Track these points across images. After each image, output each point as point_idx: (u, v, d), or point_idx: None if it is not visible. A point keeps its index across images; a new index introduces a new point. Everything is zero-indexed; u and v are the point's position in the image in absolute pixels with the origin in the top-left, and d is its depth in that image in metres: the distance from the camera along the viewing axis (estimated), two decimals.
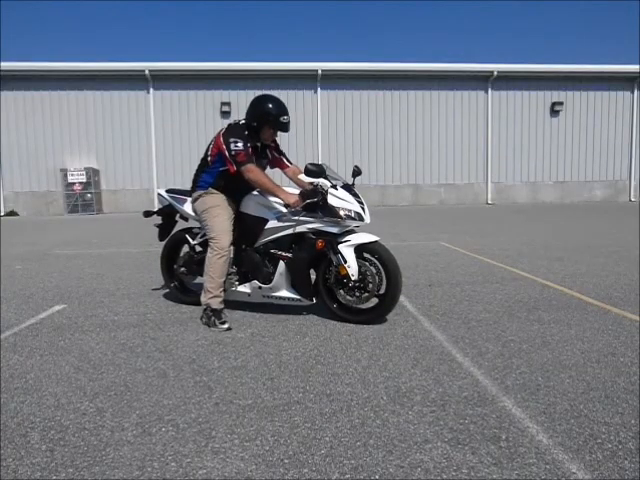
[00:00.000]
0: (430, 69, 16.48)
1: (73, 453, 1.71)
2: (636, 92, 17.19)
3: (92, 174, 15.30)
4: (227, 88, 16.05)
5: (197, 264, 3.65)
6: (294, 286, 3.33)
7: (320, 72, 15.91)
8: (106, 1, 60.13)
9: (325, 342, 2.88)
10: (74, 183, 15.19)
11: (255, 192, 3.40)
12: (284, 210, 3.24)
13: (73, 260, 6.13)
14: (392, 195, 16.91)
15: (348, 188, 3.26)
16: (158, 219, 3.97)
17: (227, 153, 3.22)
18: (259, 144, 3.41)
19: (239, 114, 16.13)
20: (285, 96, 16.25)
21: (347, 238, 3.16)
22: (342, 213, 3.12)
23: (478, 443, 1.74)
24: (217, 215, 3.31)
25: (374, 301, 3.22)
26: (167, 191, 3.87)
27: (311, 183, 3.21)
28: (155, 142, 15.94)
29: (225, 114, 15.99)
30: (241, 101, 15.96)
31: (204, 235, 3.57)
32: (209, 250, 3.27)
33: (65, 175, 15.23)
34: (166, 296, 4.08)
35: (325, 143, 16.50)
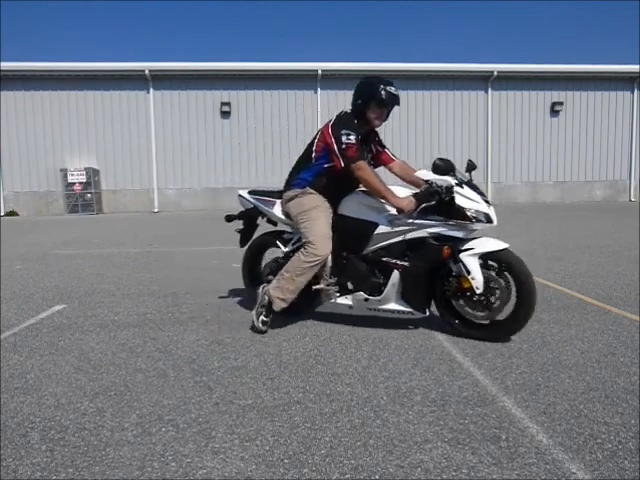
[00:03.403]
0: (430, 69, 16.47)
1: (73, 453, 1.71)
2: (636, 92, 17.18)
3: (92, 174, 15.29)
4: (227, 88, 16.03)
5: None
6: (405, 297, 2.97)
7: (320, 72, 15.89)
8: (106, 1, 60.14)
9: (325, 342, 2.88)
10: (74, 183, 15.18)
11: (359, 192, 3.07)
12: (397, 212, 2.89)
13: (73, 260, 6.13)
14: None
15: (472, 186, 2.89)
16: (237, 223, 3.66)
17: (336, 147, 2.88)
18: (362, 135, 3.06)
19: (239, 114, 16.28)
20: (285, 96, 16.29)
21: (470, 245, 2.82)
22: (470, 215, 2.78)
23: (478, 443, 1.74)
24: (316, 218, 2.98)
25: (500, 317, 2.85)
26: (250, 192, 3.53)
27: (426, 181, 2.86)
28: (155, 142, 15.93)
29: (225, 114, 15.98)
30: (241, 101, 15.98)
31: (299, 240, 3.23)
32: (302, 254, 2.94)
33: (65, 175, 15.21)
34: (166, 296, 4.08)
35: None
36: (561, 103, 17.00)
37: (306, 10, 64.38)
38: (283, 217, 3.28)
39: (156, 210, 15.74)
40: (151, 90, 15.86)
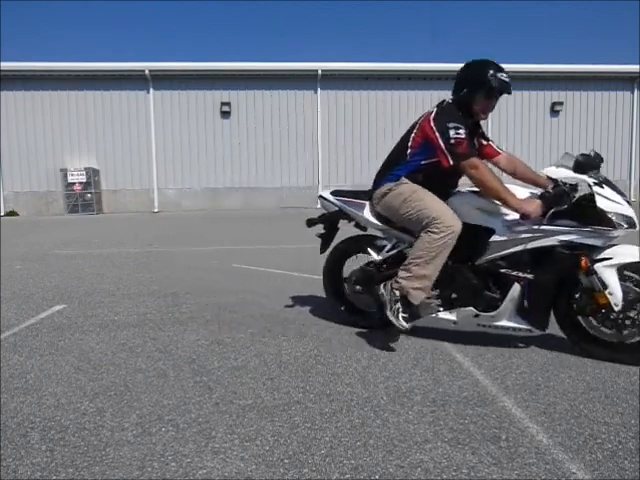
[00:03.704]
0: (430, 69, 16.48)
1: (73, 453, 1.71)
2: (636, 92, 17.19)
3: (92, 174, 15.30)
4: (227, 88, 16.03)
5: (381, 281, 2.89)
6: (523, 313, 2.61)
7: (320, 72, 15.90)
8: (106, 1, 60.12)
9: (325, 342, 2.88)
10: (74, 183, 15.19)
11: (468, 192, 2.72)
12: (517, 217, 2.51)
13: (73, 260, 6.13)
14: None
15: (611, 184, 2.50)
16: (319, 227, 3.34)
17: (441, 142, 2.55)
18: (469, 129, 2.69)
19: (239, 114, 16.27)
20: (285, 96, 16.28)
21: (607, 254, 2.48)
22: (613, 219, 2.42)
23: (478, 443, 1.74)
24: (424, 198, 2.65)
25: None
26: (333, 193, 3.18)
27: (554, 180, 2.50)
28: (155, 142, 15.93)
29: (225, 114, 15.98)
30: (241, 101, 15.99)
31: (394, 247, 2.95)
32: (431, 234, 2.54)
33: (65, 175, 15.22)
34: (166, 296, 4.08)
35: (325, 143, 16.50)
36: (561, 103, 17.00)
37: (306, 10, 64.38)
38: (375, 221, 2.96)
39: (156, 210, 15.75)
40: (151, 90, 15.86)
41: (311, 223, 3.30)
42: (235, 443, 1.77)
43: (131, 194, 16.04)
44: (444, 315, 2.75)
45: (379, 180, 2.89)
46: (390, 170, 2.83)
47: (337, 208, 3.12)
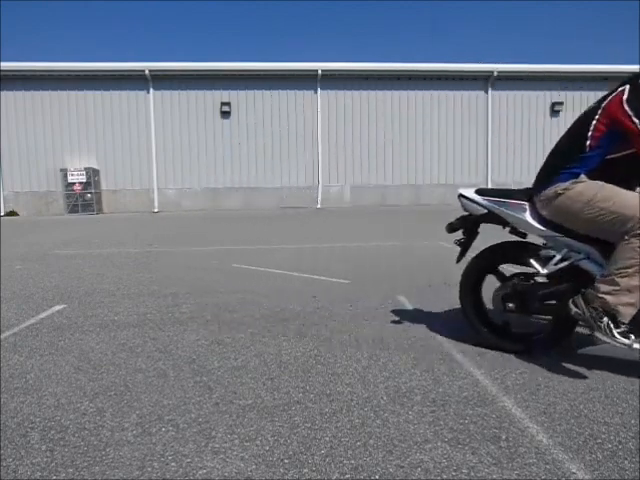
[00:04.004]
0: (430, 69, 16.48)
1: (73, 453, 1.71)
2: None
3: (92, 174, 15.31)
4: (227, 88, 16.05)
5: (542, 299, 2.49)
6: None
7: (320, 72, 15.90)
8: (106, 1, 60.11)
9: (325, 342, 2.88)
10: (74, 183, 15.20)
11: None
12: None
13: (73, 260, 6.13)
14: (392, 195, 16.90)
15: None
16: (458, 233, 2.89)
17: None
18: None
19: (239, 114, 16.28)
20: (285, 96, 16.29)
21: None
22: None
23: (478, 443, 1.74)
24: (618, 194, 2.21)
25: None
26: (478, 192, 2.70)
27: None
28: (155, 142, 15.94)
29: (225, 114, 15.99)
30: (241, 101, 16.00)
31: (563, 259, 2.44)
32: (632, 239, 2.13)
33: (65, 175, 15.24)
34: (166, 296, 4.08)
35: (325, 143, 16.50)
36: (561, 103, 17.00)
37: (306, 10, 64.29)
38: (540, 226, 2.50)
39: (156, 210, 15.75)
40: (151, 90, 15.86)
41: (453, 228, 2.82)
42: (235, 443, 1.77)
43: (131, 194, 16.04)
44: (635, 343, 2.21)
45: (546, 178, 2.43)
46: (562, 166, 2.37)
47: (485, 210, 2.65)
